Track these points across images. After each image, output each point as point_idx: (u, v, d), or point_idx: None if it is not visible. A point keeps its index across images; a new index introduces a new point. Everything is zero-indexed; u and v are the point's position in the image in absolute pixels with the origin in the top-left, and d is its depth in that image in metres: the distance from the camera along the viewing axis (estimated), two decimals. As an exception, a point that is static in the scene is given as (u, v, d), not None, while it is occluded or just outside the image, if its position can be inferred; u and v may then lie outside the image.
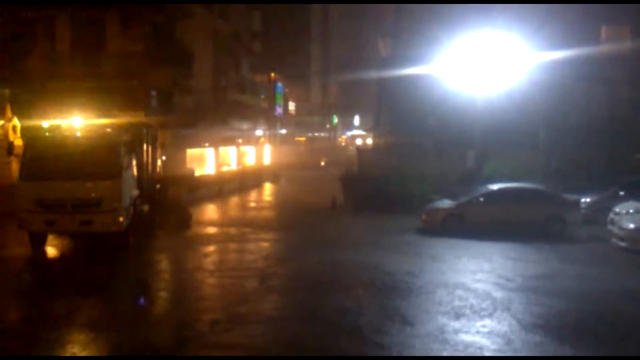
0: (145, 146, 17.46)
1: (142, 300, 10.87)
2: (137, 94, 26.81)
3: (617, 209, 16.80)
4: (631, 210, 16.38)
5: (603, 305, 10.68)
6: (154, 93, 28.13)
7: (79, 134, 17.15)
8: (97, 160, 14.63)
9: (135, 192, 15.94)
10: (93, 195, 14.24)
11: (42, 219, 14.11)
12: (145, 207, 17.03)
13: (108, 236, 14.64)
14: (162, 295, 11.75)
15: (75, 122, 21.09)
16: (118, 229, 14.37)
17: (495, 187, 18.50)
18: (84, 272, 12.93)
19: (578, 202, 18.53)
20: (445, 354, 8.18)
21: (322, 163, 49.66)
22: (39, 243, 14.96)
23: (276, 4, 52.00)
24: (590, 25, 27.92)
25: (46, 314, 9.85)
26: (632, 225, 15.12)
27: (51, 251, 15.20)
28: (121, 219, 14.34)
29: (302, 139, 64.33)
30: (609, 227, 16.45)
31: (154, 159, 18.46)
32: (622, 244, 15.19)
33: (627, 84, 28.67)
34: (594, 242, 16.77)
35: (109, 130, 16.60)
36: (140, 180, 16.55)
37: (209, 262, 14.44)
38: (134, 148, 16.01)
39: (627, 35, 28.99)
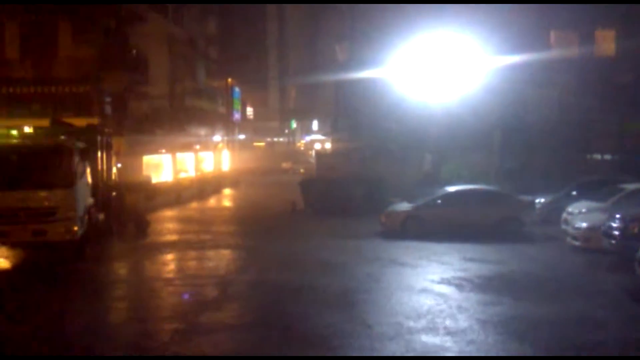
0: (99, 153, 17.08)
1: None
2: (90, 100, 26.28)
3: (570, 209, 17.23)
4: (584, 210, 16.83)
5: (559, 303, 10.92)
6: (108, 99, 27.60)
7: (30, 141, 16.64)
8: (50, 168, 14.24)
9: (90, 200, 15.57)
10: (46, 204, 13.84)
11: (-8, 229, 13.63)
12: (101, 216, 16.66)
13: (63, 246, 14.23)
14: (120, 306, 11.48)
15: (27, 129, 20.50)
16: (72, 238, 14.00)
17: (452, 189, 18.78)
18: (38, 283, 12.53)
19: (533, 203, 18.98)
20: (406, 355, 8.21)
21: (285, 166, 49.47)
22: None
23: (233, 3, 51.45)
24: (540, 30, 28.69)
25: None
26: (584, 225, 15.52)
27: (3, 262, 14.69)
28: (76, 228, 13.98)
29: (261, 144, 64.10)
30: (563, 226, 16.86)
31: (109, 166, 18.07)
32: (576, 242, 15.58)
33: (575, 88, 29.58)
34: (548, 241, 17.15)
35: (62, 137, 16.16)
36: (95, 188, 16.17)
37: (168, 271, 14.19)
38: (88, 155, 15.64)
39: (575, 41, 29.89)
